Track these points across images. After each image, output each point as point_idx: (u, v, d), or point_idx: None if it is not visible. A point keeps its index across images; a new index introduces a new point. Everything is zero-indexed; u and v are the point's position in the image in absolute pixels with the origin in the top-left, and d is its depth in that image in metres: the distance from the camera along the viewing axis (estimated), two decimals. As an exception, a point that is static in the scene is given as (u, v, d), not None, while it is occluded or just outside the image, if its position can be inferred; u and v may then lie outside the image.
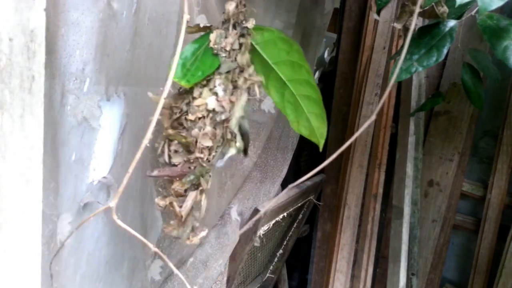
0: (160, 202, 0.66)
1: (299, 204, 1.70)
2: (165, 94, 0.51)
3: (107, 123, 0.82)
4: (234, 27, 0.64)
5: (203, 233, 0.68)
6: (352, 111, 1.81)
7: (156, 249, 0.51)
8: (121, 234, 0.92)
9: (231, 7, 0.63)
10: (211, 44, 0.64)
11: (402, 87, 1.67)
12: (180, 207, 0.65)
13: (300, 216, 1.80)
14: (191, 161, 0.65)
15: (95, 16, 0.72)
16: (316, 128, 0.70)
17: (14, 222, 0.58)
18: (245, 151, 0.67)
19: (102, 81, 0.78)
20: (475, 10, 0.96)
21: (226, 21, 0.65)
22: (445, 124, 1.68)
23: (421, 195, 1.70)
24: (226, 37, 0.64)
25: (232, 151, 0.66)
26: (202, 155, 0.64)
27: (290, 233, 1.80)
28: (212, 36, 0.64)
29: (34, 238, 0.61)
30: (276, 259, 1.80)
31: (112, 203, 0.48)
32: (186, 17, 0.52)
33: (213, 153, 0.65)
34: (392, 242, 1.65)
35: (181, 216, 0.65)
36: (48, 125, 0.66)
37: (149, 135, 0.47)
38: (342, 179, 1.84)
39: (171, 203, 0.65)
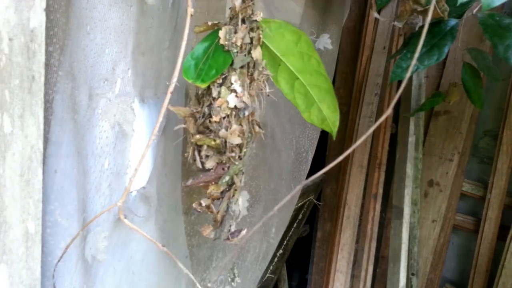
0: (198, 207, 0.66)
1: (299, 204, 1.70)
2: (171, 88, 0.51)
3: (143, 128, 0.75)
4: (243, 21, 0.64)
5: (243, 233, 0.68)
6: (352, 111, 1.81)
7: (164, 249, 0.51)
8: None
9: (237, 2, 0.63)
10: (221, 41, 0.63)
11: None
12: (216, 209, 0.65)
13: (300, 216, 1.80)
14: (224, 161, 0.65)
15: (125, 12, 0.67)
16: (328, 116, 0.70)
17: (14, 222, 0.58)
18: None
19: (135, 82, 0.72)
20: (475, 10, 0.96)
21: (234, 17, 0.64)
22: (445, 124, 1.67)
23: (421, 195, 1.70)
24: (235, 32, 0.63)
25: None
26: (233, 154, 0.64)
27: (290, 233, 1.79)
28: (222, 33, 0.63)
29: (34, 239, 0.61)
30: (276, 259, 1.79)
31: (119, 202, 0.48)
32: (189, 10, 0.52)
33: (244, 149, 0.65)
34: (392, 242, 1.64)
35: (218, 218, 0.65)
36: (72, 129, 0.63)
37: (155, 131, 0.47)
38: (342, 179, 1.84)
39: (208, 206, 0.65)
